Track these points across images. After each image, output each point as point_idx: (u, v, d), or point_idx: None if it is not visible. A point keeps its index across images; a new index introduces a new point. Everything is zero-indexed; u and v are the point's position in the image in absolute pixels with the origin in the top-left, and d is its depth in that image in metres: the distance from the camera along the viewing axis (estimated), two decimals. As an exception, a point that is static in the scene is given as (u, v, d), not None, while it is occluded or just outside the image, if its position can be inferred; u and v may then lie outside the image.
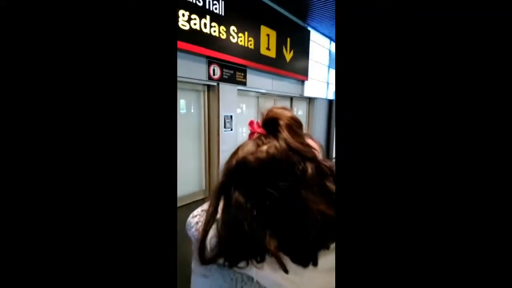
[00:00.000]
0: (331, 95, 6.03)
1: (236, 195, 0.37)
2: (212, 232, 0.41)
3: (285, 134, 0.40)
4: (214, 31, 2.98)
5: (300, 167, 0.37)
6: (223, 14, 3.04)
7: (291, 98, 4.92)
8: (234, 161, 0.40)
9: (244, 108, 4.01)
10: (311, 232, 0.35)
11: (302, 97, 5.09)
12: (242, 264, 0.37)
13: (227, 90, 3.35)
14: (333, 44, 5.88)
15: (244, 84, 3.60)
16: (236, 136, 3.64)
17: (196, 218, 0.47)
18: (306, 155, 0.38)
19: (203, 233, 0.40)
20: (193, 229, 0.45)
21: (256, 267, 0.36)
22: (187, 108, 3.17)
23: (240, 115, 3.82)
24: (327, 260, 0.36)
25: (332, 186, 0.37)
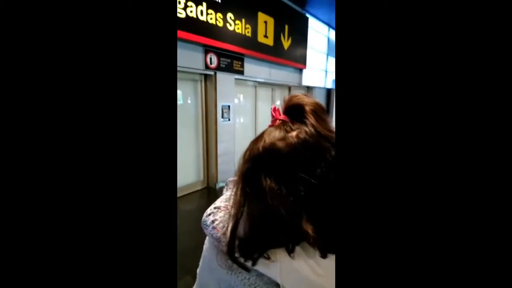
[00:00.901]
0: (330, 84, 5.98)
1: (268, 181, 0.36)
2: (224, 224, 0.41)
3: (312, 120, 0.39)
4: (211, 19, 2.90)
5: (332, 153, 0.37)
6: (219, 0, 2.95)
7: (289, 88, 4.88)
8: (260, 148, 0.38)
9: (241, 98, 3.97)
10: None
11: (300, 86, 5.04)
12: (272, 256, 0.36)
13: (224, 79, 3.30)
14: (332, 32, 5.77)
15: (242, 73, 3.55)
16: (234, 126, 3.62)
17: (211, 216, 0.45)
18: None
19: (234, 225, 0.38)
20: (210, 228, 0.44)
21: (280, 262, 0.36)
22: (184, 99, 3.13)
23: (237, 105, 3.78)
24: None
25: None
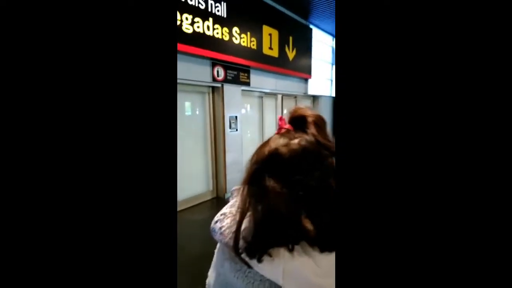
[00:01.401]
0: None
1: (271, 182, 0.40)
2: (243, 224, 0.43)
3: (312, 130, 0.43)
4: (217, 33, 3.01)
5: (329, 160, 0.41)
6: (225, 16, 3.06)
7: (295, 97, 4.93)
8: (266, 151, 0.43)
9: (248, 108, 4.03)
10: None
11: (306, 95, 5.08)
12: (275, 255, 0.38)
13: (231, 91, 3.38)
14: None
15: (248, 84, 3.63)
16: (242, 136, 3.67)
17: (218, 223, 0.48)
18: (333, 150, 0.42)
19: (239, 223, 0.42)
20: (218, 234, 0.47)
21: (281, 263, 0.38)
22: (192, 110, 3.21)
23: (244, 115, 3.84)
24: None
25: None
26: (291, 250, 0.38)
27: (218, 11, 2.98)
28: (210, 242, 0.51)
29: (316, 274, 0.38)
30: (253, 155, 0.44)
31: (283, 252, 0.38)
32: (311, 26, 4.84)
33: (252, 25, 3.48)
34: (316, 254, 0.38)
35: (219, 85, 3.24)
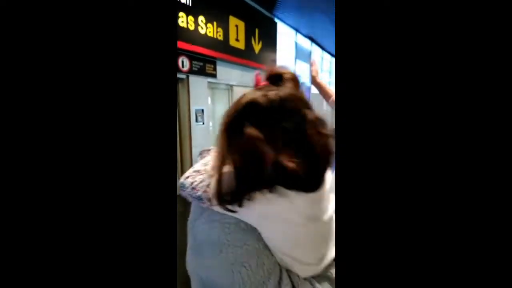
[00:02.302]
0: (298, 86, 6.22)
1: (250, 129, 0.41)
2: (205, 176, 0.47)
3: (289, 85, 0.45)
4: (182, 22, 2.86)
5: (305, 111, 0.43)
6: (190, 4, 2.91)
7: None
8: (243, 101, 0.43)
9: (215, 101, 3.95)
10: (320, 161, 0.42)
11: (271, 89, 5.16)
12: (252, 199, 0.41)
13: (197, 83, 3.26)
14: (299, 36, 6.00)
15: (214, 76, 3.54)
16: (208, 129, 3.59)
17: (189, 179, 0.49)
18: (308, 103, 0.45)
19: (220, 168, 0.42)
20: (189, 189, 0.48)
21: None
22: (156, 102, 3.03)
23: (211, 108, 3.76)
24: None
25: (326, 132, 0.43)
26: (269, 192, 0.40)
27: (182, -2, 2.82)
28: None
29: (291, 213, 0.41)
30: (229, 108, 0.44)
31: (259, 195, 0.40)
32: (275, 20, 4.87)
33: (218, 15, 3.38)
34: (292, 194, 0.41)
35: (184, 76, 3.10)
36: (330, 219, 0.46)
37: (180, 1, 2.79)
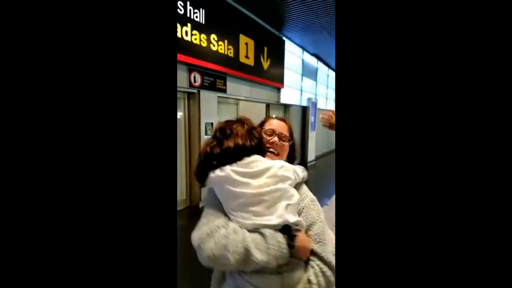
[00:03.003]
0: (305, 102, 6.29)
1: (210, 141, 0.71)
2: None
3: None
4: (195, 39, 2.98)
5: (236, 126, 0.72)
6: (203, 22, 3.06)
7: (268, 105, 5.05)
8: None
9: (224, 115, 4.02)
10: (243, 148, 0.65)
11: (278, 104, 5.24)
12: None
13: (207, 97, 3.35)
14: (306, 54, 6.16)
15: (224, 91, 3.63)
16: (217, 143, 3.62)
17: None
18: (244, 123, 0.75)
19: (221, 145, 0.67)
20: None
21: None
22: (167, 116, 3.10)
23: (218, 121, 3.80)
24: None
25: (249, 128, 0.72)
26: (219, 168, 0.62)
27: (196, 17, 2.96)
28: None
29: (237, 175, 0.60)
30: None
31: (216, 171, 0.62)
32: (283, 38, 5.04)
33: (229, 33, 3.52)
34: (227, 167, 0.61)
35: (195, 91, 3.19)
36: (260, 187, 0.59)
37: (193, 19, 2.93)
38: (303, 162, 6.30)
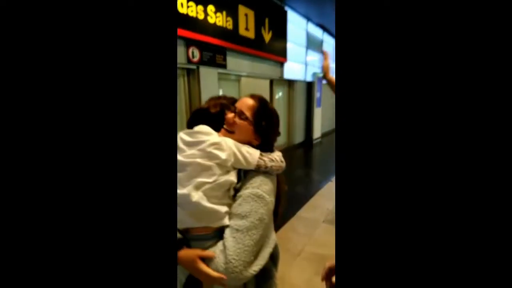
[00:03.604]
0: (310, 77, 6.08)
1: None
2: None
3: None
4: (191, 11, 2.83)
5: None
6: (199, -8, 2.88)
7: (271, 81, 4.90)
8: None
9: (225, 92, 3.93)
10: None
11: (281, 80, 5.08)
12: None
13: (207, 74, 3.24)
14: (310, 25, 5.86)
15: (225, 66, 3.51)
16: (219, 121, 3.58)
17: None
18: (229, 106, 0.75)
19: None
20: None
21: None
22: (167, 94, 3.04)
23: (221, 99, 3.73)
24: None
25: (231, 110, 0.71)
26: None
27: (191, -14, 2.79)
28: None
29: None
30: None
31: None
32: (286, 8, 4.76)
33: (227, 4, 3.33)
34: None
35: (194, 67, 3.09)
36: (187, 156, 0.63)
37: (189, -10, 2.76)
38: (309, 140, 6.22)
